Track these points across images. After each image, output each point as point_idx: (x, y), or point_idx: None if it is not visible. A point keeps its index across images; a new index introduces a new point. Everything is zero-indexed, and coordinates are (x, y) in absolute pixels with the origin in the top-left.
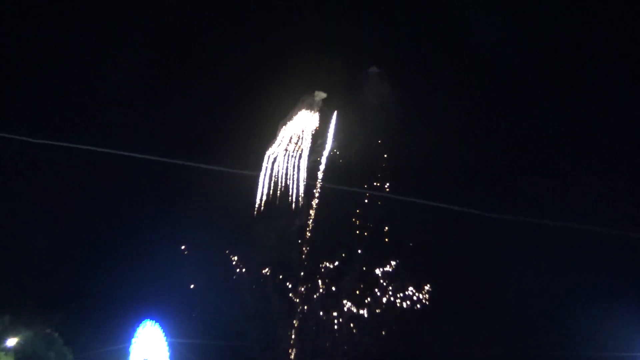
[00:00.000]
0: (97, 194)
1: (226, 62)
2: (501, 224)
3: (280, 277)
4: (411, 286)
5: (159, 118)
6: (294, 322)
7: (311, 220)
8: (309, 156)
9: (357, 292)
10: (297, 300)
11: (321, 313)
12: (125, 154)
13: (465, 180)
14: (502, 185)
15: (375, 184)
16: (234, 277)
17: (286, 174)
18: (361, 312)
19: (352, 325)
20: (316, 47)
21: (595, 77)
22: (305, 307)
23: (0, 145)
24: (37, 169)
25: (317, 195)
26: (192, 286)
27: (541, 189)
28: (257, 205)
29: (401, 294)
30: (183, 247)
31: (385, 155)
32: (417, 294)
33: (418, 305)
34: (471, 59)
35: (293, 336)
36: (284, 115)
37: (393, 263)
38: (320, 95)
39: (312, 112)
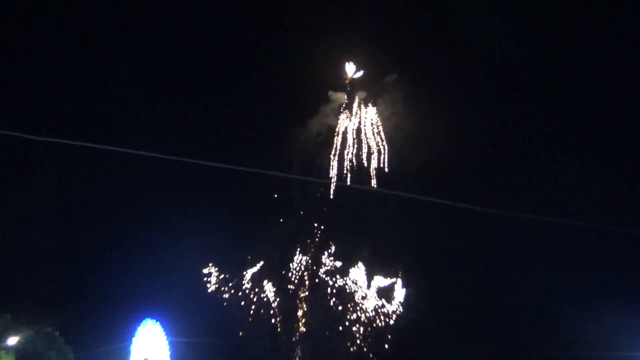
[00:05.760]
0: (97, 192)
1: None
2: (498, 224)
3: (283, 276)
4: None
5: (160, 115)
6: (296, 321)
7: (316, 222)
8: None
9: (359, 292)
10: (300, 299)
11: (323, 312)
12: (125, 150)
13: (462, 179)
14: (500, 184)
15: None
16: (236, 276)
17: None
18: (363, 312)
19: (354, 325)
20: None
21: (596, 77)
22: (308, 307)
23: (1, 145)
24: (38, 168)
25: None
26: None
27: (538, 188)
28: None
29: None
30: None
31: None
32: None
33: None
34: (474, 59)
35: (294, 336)
36: (298, 119)
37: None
38: (336, 96)
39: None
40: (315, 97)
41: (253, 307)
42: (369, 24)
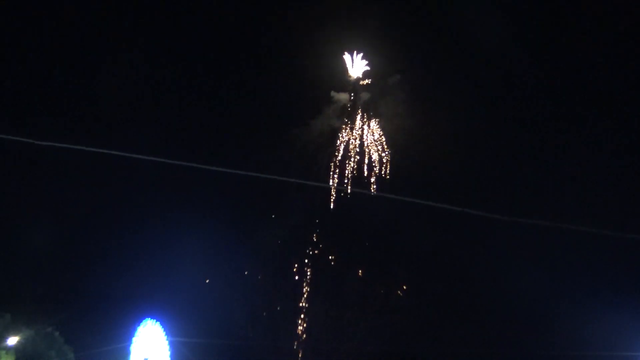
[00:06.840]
0: (97, 193)
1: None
2: (498, 225)
3: (285, 277)
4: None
5: (160, 116)
6: (297, 322)
7: (317, 225)
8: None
9: (360, 293)
10: (301, 300)
11: (325, 313)
12: (126, 154)
13: (461, 181)
14: (497, 187)
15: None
16: (238, 277)
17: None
18: (364, 313)
19: (355, 326)
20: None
21: (600, 80)
22: (309, 308)
23: (2, 146)
24: (39, 170)
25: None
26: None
27: (538, 189)
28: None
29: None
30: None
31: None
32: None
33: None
34: (474, 63)
35: (295, 336)
36: (299, 120)
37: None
38: (338, 96)
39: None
40: (317, 98)
41: (254, 307)
42: (371, 26)
